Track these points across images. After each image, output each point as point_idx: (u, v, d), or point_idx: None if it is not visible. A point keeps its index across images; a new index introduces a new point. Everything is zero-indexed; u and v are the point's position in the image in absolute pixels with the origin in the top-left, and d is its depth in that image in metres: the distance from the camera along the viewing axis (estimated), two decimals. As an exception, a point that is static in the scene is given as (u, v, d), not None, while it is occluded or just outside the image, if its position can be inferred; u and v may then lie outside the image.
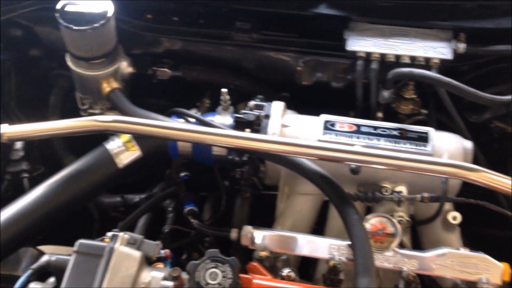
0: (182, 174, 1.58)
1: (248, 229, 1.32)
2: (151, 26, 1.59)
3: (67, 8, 1.43)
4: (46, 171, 1.62)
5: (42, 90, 1.78)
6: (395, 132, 1.37)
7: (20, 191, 1.56)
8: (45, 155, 1.71)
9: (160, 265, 1.21)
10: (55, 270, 1.17)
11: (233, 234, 1.34)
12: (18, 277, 1.48)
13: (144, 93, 1.66)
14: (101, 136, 1.68)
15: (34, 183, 1.57)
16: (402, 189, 1.35)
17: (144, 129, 1.28)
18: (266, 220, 1.44)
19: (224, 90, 1.44)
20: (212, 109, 1.64)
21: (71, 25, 1.41)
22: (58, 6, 1.43)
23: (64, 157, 1.72)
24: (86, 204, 1.64)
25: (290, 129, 1.38)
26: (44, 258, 1.20)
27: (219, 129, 1.29)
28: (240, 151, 1.33)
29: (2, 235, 1.30)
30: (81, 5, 1.44)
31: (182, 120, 1.46)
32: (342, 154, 1.22)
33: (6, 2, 1.62)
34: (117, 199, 1.68)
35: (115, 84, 1.52)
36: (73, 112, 1.71)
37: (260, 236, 1.31)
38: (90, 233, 1.74)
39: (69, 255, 1.17)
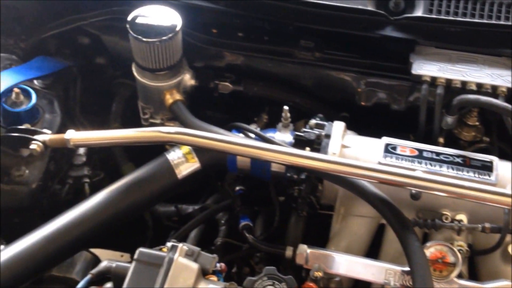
0: (237, 188, 1.59)
1: (303, 248, 1.32)
2: (215, 40, 1.61)
3: (138, 20, 1.47)
4: (105, 177, 1.66)
5: (104, 98, 1.83)
6: (458, 160, 1.34)
7: (80, 196, 1.62)
8: (103, 160, 1.75)
9: (214, 278, 1.22)
10: (114, 276, 1.20)
11: (288, 252, 1.34)
12: (71, 280, 1.54)
13: (201, 105, 1.68)
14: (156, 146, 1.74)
15: (94, 188, 1.63)
16: (463, 217, 1.32)
17: (206, 142, 1.31)
18: (318, 239, 1.44)
19: (286, 107, 1.44)
20: (269, 125, 1.66)
21: (140, 37, 1.45)
22: (129, 17, 1.47)
23: (122, 164, 1.76)
24: (143, 212, 1.67)
25: (350, 150, 1.38)
26: (104, 264, 1.23)
27: (279, 146, 1.30)
28: (299, 169, 1.34)
29: (63, 238, 1.34)
30: (151, 17, 1.48)
31: (241, 134, 1.48)
32: (403, 179, 1.21)
33: (77, 10, 1.68)
34: (171, 208, 1.71)
35: (177, 96, 1.55)
36: (133, 120, 1.76)
37: (315, 256, 1.31)
38: (143, 240, 1.78)
39: (129, 262, 1.21)
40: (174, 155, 1.43)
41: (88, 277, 1.22)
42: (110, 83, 1.82)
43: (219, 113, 1.75)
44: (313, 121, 1.43)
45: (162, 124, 1.64)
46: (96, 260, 1.60)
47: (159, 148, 1.68)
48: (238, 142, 1.30)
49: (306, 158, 1.26)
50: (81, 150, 1.59)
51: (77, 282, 1.51)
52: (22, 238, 1.33)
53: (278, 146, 1.30)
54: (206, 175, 1.53)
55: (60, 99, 1.64)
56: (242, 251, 1.54)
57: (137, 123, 1.69)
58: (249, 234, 1.44)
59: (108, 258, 1.26)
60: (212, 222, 1.67)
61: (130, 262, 1.21)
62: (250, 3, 1.54)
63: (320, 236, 1.46)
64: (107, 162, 1.76)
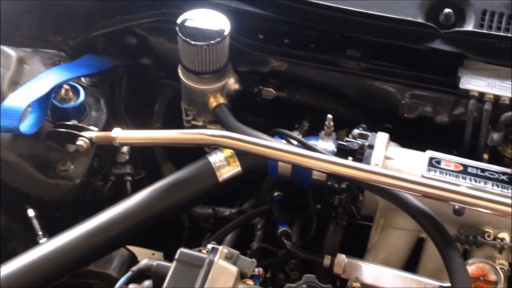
0: (275, 194, 1.59)
1: (342, 257, 1.32)
2: (261, 46, 1.62)
3: (187, 23, 1.49)
4: (146, 176, 1.68)
5: (147, 97, 1.85)
6: (503, 177, 1.32)
7: (120, 193, 1.64)
8: (144, 159, 1.77)
9: (250, 282, 1.22)
10: (154, 275, 1.21)
11: (326, 260, 1.34)
12: (108, 275, 1.56)
13: (243, 109, 1.69)
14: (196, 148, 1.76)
15: (135, 186, 1.66)
16: (505, 236, 1.30)
17: (249, 146, 1.32)
18: (350, 249, 1.43)
19: (329, 116, 1.44)
20: (310, 133, 1.66)
21: (188, 39, 1.47)
22: (179, 20, 1.49)
23: (163, 164, 1.78)
24: (183, 213, 1.69)
25: (393, 162, 1.37)
26: (144, 262, 1.24)
27: (322, 155, 1.30)
28: (340, 178, 1.33)
29: (103, 235, 1.36)
30: (200, 21, 1.50)
31: (284, 141, 1.48)
32: (447, 194, 1.20)
33: (126, 11, 1.71)
34: (208, 210, 1.72)
35: (221, 100, 1.56)
36: (175, 121, 1.78)
37: (353, 266, 1.31)
38: (177, 240, 1.79)
39: (170, 261, 1.22)
40: (216, 158, 1.45)
41: (129, 274, 1.23)
42: (153, 84, 1.85)
43: (260, 118, 1.76)
44: (356, 131, 1.42)
45: (204, 127, 1.65)
46: (133, 258, 1.63)
47: (198, 150, 1.71)
48: (281, 148, 1.31)
49: (349, 167, 1.26)
50: (125, 149, 1.61)
51: (113, 278, 1.56)
52: (64, 232, 1.36)
53: (321, 154, 1.30)
54: (243, 179, 1.54)
55: (106, 98, 1.68)
56: (278, 257, 1.55)
57: (178, 125, 1.71)
58: (287, 241, 1.44)
59: (147, 257, 1.28)
60: (247, 226, 1.69)
61: (166, 261, 1.24)
62: (298, 11, 1.54)
63: (351, 245, 1.46)
64: (147, 162, 1.78)
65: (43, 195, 1.49)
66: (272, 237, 1.62)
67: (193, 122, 1.67)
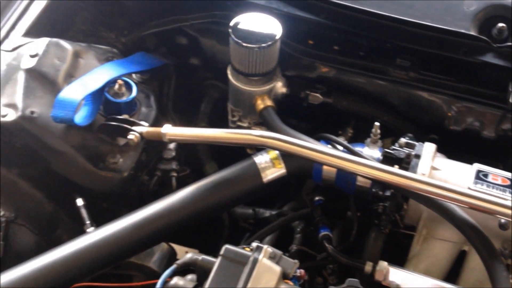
0: (317, 198, 1.60)
1: (384, 265, 1.32)
2: (310, 51, 1.64)
3: (240, 26, 1.52)
4: (190, 173, 1.71)
5: (193, 97, 1.89)
6: (552, 194, 1.31)
7: (164, 188, 1.68)
8: (187, 157, 1.81)
9: (290, 283, 1.24)
10: (199, 269, 1.23)
11: (368, 267, 1.35)
12: (148, 268, 1.59)
13: (287, 113, 1.71)
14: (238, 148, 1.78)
15: (179, 183, 1.68)
16: (550, 253, 1.29)
17: (297, 149, 1.34)
18: (391, 258, 1.43)
19: (377, 123, 1.45)
20: (353, 140, 1.67)
21: (240, 41, 1.50)
22: (232, 22, 1.52)
23: (206, 163, 1.81)
24: (225, 212, 1.71)
25: (440, 173, 1.37)
26: (189, 256, 1.27)
27: (370, 161, 1.31)
28: (386, 186, 1.34)
29: (147, 229, 1.39)
30: (253, 24, 1.53)
31: (329, 146, 1.49)
32: (495, 207, 1.20)
33: (179, 11, 1.75)
34: (249, 211, 1.74)
35: (268, 102, 1.59)
36: (219, 121, 1.81)
37: (395, 274, 1.31)
38: (216, 238, 1.82)
39: (214, 257, 1.24)
40: (261, 159, 1.46)
41: (174, 267, 1.25)
42: (200, 84, 1.88)
43: (303, 123, 1.78)
44: (403, 140, 1.43)
45: (249, 128, 1.68)
46: (172, 253, 1.66)
47: (240, 151, 1.74)
48: (329, 152, 1.33)
49: (396, 175, 1.27)
50: (171, 145, 1.64)
51: (153, 271, 1.59)
52: (111, 223, 1.39)
53: (368, 160, 1.31)
54: (286, 181, 1.56)
55: (155, 95, 1.72)
56: (318, 261, 1.56)
57: (222, 125, 1.74)
58: (328, 244, 1.45)
59: (192, 252, 1.30)
60: (285, 229, 1.70)
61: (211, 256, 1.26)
62: (350, 18, 1.56)
63: (387, 254, 1.46)
64: (190, 160, 1.81)
65: (92, 186, 1.53)
66: (310, 241, 1.64)
67: (239, 123, 1.69)
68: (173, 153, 1.63)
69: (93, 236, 1.38)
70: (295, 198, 1.77)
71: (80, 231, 1.46)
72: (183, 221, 1.42)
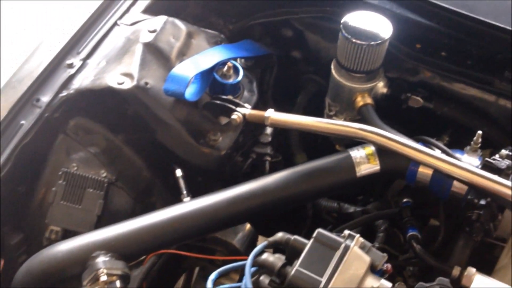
0: (405, 199, 1.61)
1: (472, 271, 1.31)
2: (416, 55, 1.66)
3: (351, 22, 1.56)
4: (281, 160, 1.76)
5: (291, 89, 1.94)
6: None
7: (256, 172, 1.73)
8: (278, 146, 1.85)
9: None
10: (290, 248, 1.26)
11: (455, 271, 1.34)
12: (231, 245, 1.64)
13: (384, 115, 1.72)
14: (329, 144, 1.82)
15: (270, 169, 1.73)
16: None
17: (397, 146, 1.37)
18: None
19: (479, 132, 1.44)
20: (449, 148, 1.66)
21: (350, 37, 1.53)
22: (344, 18, 1.56)
23: (297, 153, 1.86)
24: (313, 201, 1.74)
25: (540, 187, 1.35)
26: (280, 235, 1.30)
27: (472, 166, 1.31)
28: (485, 193, 1.33)
29: (236, 206, 1.45)
30: (363, 22, 1.56)
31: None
32: None
33: (290, 4, 1.80)
34: (334, 204, 1.77)
35: (369, 100, 1.62)
36: (313, 115, 1.83)
37: (482, 282, 1.30)
38: (296, 227, 1.85)
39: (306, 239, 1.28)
40: (357, 154, 1.49)
41: (265, 243, 1.30)
42: (299, 77, 1.93)
43: (398, 126, 1.78)
44: (504, 152, 1.41)
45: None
46: (254, 234, 1.70)
47: (330, 146, 1.78)
48: (430, 153, 1.34)
49: (497, 183, 1.27)
50: (269, 131, 1.70)
51: (235, 248, 1.65)
52: (204, 196, 1.46)
53: (470, 166, 1.31)
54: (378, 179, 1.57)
55: (257, 81, 1.78)
56: (399, 261, 1.57)
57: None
58: (417, 245, 1.46)
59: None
60: (368, 227, 1.72)
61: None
62: (463, 26, 1.56)
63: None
64: (281, 149, 1.86)
65: (191, 159, 1.61)
66: (392, 242, 1.65)
67: (334, 118, 1.72)
68: (269, 138, 1.69)
69: (188, 206, 1.45)
70: (378, 199, 1.78)
71: (172, 200, 1.53)
72: (272, 203, 1.47)
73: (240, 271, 1.59)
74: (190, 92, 1.56)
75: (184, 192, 1.55)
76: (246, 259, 1.26)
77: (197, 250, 1.57)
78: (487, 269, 1.42)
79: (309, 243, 1.23)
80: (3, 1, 1.90)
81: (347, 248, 1.20)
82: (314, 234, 1.23)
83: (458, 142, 1.54)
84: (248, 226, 1.65)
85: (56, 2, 1.72)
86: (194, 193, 1.55)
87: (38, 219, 1.58)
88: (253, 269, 1.27)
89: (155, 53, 1.62)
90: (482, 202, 1.36)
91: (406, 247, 1.65)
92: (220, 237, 1.59)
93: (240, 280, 1.40)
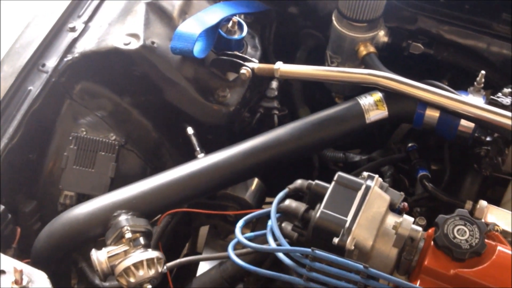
0: (410, 144, 1.66)
1: (484, 203, 1.37)
2: (414, 2, 1.69)
3: (353, -31, 1.58)
4: (288, 114, 1.78)
5: (289, 46, 1.95)
6: None
7: (264, 127, 1.74)
8: (281, 101, 1.87)
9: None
10: (312, 192, 1.30)
11: (467, 205, 1.41)
12: (243, 200, 1.67)
13: (384, 63, 1.75)
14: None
15: (278, 122, 1.76)
16: None
17: (407, 88, 1.42)
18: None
19: (483, 72, 1.49)
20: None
21: (353, -16, 1.55)
22: (345, -33, 1.58)
23: (300, 107, 1.89)
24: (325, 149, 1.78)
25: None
26: (299, 182, 1.34)
27: (480, 103, 1.36)
28: (492, 128, 1.38)
29: (246, 161, 1.47)
30: (365, -30, 1.58)
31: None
32: None
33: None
34: (339, 154, 1.81)
35: (371, 48, 1.65)
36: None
37: (493, 213, 1.36)
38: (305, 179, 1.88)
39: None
40: (365, 101, 1.53)
41: (286, 190, 1.33)
42: (297, 32, 1.94)
43: (399, 73, 1.81)
44: (506, 90, 1.47)
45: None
46: (264, 188, 1.73)
47: (330, 98, 1.80)
48: (439, 92, 1.38)
49: (505, 117, 1.32)
50: (274, 85, 1.72)
51: (247, 203, 1.67)
52: (217, 152, 1.48)
53: (479, 102, 1.36)
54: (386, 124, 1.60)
55: (259, 37, 1.79)
56: (410, 202, 1.62)
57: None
58: (428, 183, 1.51)
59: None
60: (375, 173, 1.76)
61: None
62: (460, -31, 1.59)
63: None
64: (283, 104, 1.88)
65: (200, 117, 1.62)
66: (399, 187, 1.70)
67: (337, 70, 1.75)
68: (276, 92, 1.71)
69: (204, 161, 1.47)
70: (382, 147, 1.83)
71: (182, 160, 1.53)
72: (287, 154, 1.50)
73: (252, 224, 1.64)
74: (197, 49, 1.57)
75: (198, 149, 1.56)
76: None
77: (207, 208, 1.59)
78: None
79: (330, 186, 1.27)
80: (3, 1, 1.86)
81: (368, 188, 1.25)
82: (335, 177, 1.28)
83: (456, 87, 1.59)
84: (256, 180, 1.67)
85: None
86: (205, 151, 1.57)
87: (50, 186, 1.58)
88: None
89: (158, 12, 1.61)
90: (489, 138, 1.42)
91: (410, 191, 1.71)
92: (231, 192, 1.62)
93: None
